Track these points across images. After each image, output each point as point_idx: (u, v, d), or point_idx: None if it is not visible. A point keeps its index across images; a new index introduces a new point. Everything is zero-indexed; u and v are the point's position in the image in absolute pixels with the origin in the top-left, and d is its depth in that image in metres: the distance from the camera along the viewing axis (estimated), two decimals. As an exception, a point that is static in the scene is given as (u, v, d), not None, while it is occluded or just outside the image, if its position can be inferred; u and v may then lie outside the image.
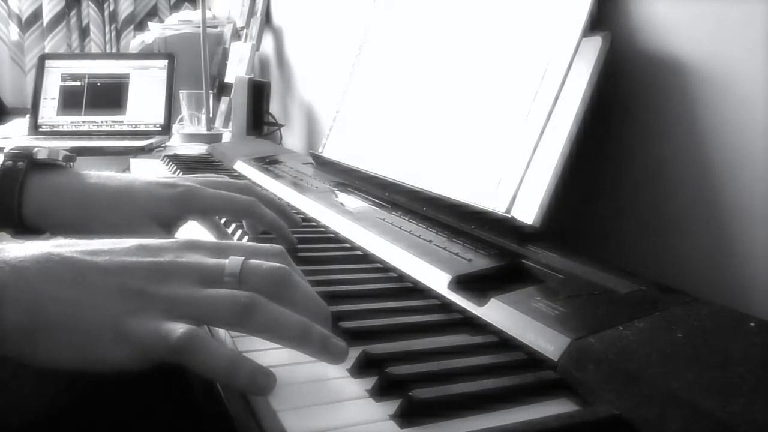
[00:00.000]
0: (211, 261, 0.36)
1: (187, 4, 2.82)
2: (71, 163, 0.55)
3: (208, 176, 0.59)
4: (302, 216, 0.70)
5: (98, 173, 0.54)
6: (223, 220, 0.63)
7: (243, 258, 0.36)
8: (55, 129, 1.58)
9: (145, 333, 0.31)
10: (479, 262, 0.48)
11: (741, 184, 0.49)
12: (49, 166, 0.52)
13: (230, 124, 1.66)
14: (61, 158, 0.53)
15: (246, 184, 0.58)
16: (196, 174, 0.61)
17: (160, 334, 0.31)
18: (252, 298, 0.33)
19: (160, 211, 0.52)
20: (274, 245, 0.40)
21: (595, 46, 0.55)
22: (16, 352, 0.31)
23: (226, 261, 0.36)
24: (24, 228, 0.51)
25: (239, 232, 0.60)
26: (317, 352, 0.34)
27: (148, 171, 1.09)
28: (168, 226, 0.53)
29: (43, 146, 0.53)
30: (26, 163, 0.51)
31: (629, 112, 0.58)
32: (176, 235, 0.55)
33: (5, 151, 0.52)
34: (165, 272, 0.34)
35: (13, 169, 0.50)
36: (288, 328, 0.34)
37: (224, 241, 0.39)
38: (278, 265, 0.36)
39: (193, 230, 0.59)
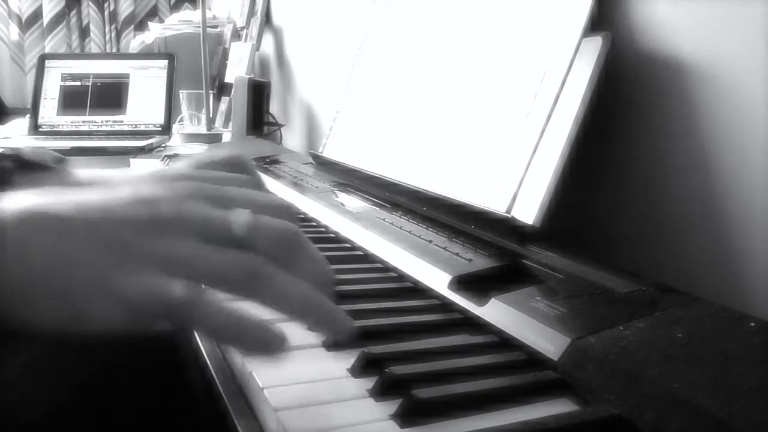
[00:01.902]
0: (215, 214, 0.33)
1: (187, 4, 2.82)
2: (62, 165, 0.55)
3: (198, 165, 0.54)
4: (302, 216, 0.70)
5: (87, 172, 0.53)
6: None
7: (250, 212, 0.33)
8: (55, 129, 1.58)
9: (138, 289, 0.29)
10: (479, 262, 0.48)
11: (741, 184, 0.49)
12: (37, 166, 0.51)
13: (230, 124, 1.66)
14: (49, 159, 0.53)
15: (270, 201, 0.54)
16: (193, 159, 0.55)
17: (156, 290, 0.29)
18: (259, 265, 0.31)
19: None
20: (282, 199, 0.37)
21: (595, 46, 0.55)
22: (2, 313, 0.29)
23: (232, 216, 0.33)
24: None
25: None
26: (320, 324, 0.32)
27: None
28: None
29: (32, 147, 0.53)
30: (13, 163, 0.50)
31: (629, 112, 0.58)
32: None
33: None
34: (162, 225, 0.31)
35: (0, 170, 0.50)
36: (292, 299, 0.31)
37: (231, 189, 0.36)
38: (288, 223, 0.34)
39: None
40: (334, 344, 0.34)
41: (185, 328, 0.29)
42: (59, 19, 2.72)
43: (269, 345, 0.30)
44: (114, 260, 0.30)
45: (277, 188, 0.82)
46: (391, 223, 0.60)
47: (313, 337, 0.38)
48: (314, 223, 0.67)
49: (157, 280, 0.29)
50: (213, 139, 1.57)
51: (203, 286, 0.30)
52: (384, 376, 0.33)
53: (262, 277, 0.31)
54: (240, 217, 0.33)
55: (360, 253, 0.57)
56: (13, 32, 2.70)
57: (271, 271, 0.31)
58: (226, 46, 1.98)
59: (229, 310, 0.29)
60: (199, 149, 1.41)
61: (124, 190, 0.33)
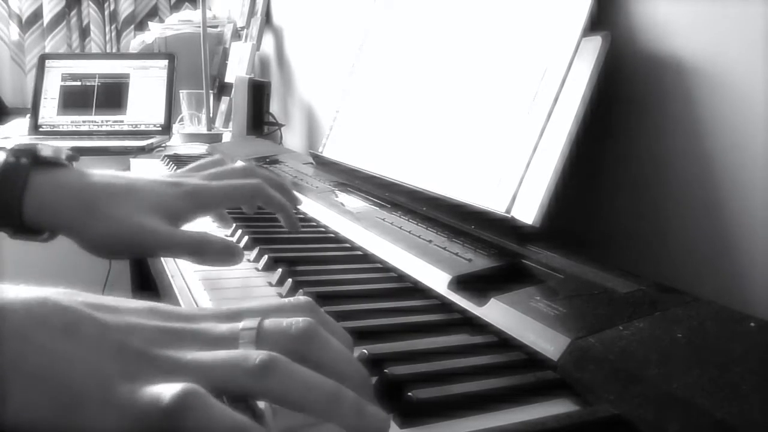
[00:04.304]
0: (225, 325, 0.32)
1: (187, 4, 2.82)
2: (74, 162, 0.54)
3: (207, 165, 0.58)
4: (302, 216, 0.70)
5: (102, 171, 0.53)
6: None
7: (260, 318, 0.32)
8: (55, 129, 1.58)
9: (136, 397, 0.27)
10: (479, 262, 0.48)
11: (741, 184, 0.49)
12: (52, 163, 0.51)
13: (230, 124, 1.66)
14: (64, 157, 0.52)
15: (247, 167, 0.57)
16: (196, 163, 0.59)
17: (152, 396, 0.27)
18: (270, 356, 0.28)
19: (166, 207, 0.50)
20: (300, 298, 0.35)
21: (595, 46, 0.55)
22: None
23: (241, 324, 0.32)
24: (23, 227, 0.50)
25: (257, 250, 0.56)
26: (350, 422, 0.28)
27: (149, 171, 1.09)
28: (175, 222, 0.51)
29: (47, 144, 0.52)
30: (29, 159, 0.50)
31: (629, 111, 0.58)
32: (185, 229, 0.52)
33: (8, 147, 0.52)
34: (172, 336, 0.31)
35: (15, 165, 0.49)
36: (314, 393, 0.28)
37: (242, 307, 0.35)
38: (301, 319, 0.31)
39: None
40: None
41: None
42: (59, 19, 2.72)
43: None
44: (120, 367, 0.28)
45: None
46: (391, 223, 0.60)
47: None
48: (314, 223, 0.67)
49: (157, 385, 0.27)
50: (213, 139, 1.57)
51: (212, 391, 0.28)
52: (384, 377, 0.33)
53: (275, 370, 0.28)
54: (248, 323, 0.31)
55: (360, 253, 0.57)
56: (13, 32, 2.70)
57: (286, 362, 0.29)
58: (227, 46, 1.98)
59: (230, 418, 0.27)
60: (199, 149, 1.42)
61: (141, 303, 0.33)
